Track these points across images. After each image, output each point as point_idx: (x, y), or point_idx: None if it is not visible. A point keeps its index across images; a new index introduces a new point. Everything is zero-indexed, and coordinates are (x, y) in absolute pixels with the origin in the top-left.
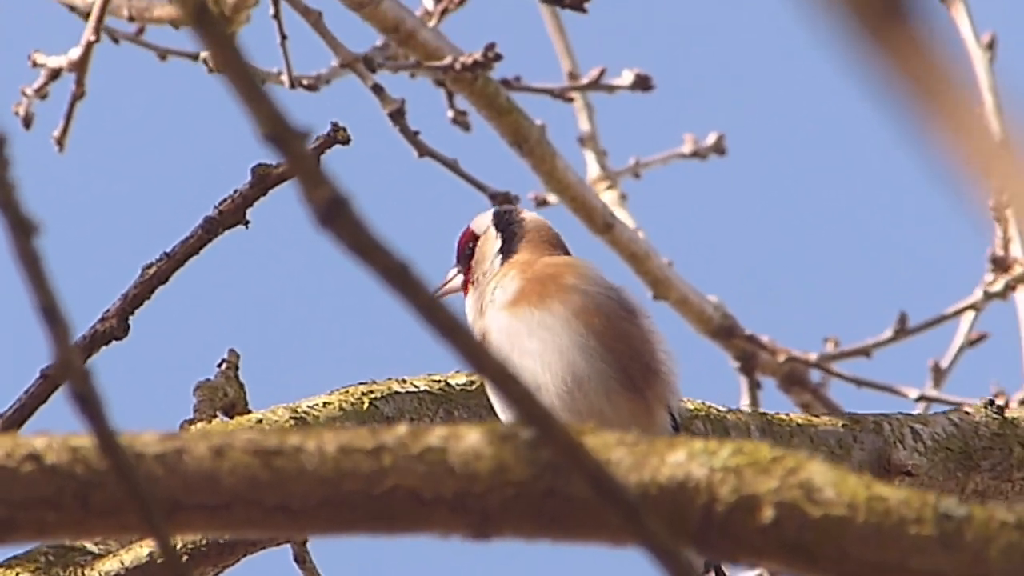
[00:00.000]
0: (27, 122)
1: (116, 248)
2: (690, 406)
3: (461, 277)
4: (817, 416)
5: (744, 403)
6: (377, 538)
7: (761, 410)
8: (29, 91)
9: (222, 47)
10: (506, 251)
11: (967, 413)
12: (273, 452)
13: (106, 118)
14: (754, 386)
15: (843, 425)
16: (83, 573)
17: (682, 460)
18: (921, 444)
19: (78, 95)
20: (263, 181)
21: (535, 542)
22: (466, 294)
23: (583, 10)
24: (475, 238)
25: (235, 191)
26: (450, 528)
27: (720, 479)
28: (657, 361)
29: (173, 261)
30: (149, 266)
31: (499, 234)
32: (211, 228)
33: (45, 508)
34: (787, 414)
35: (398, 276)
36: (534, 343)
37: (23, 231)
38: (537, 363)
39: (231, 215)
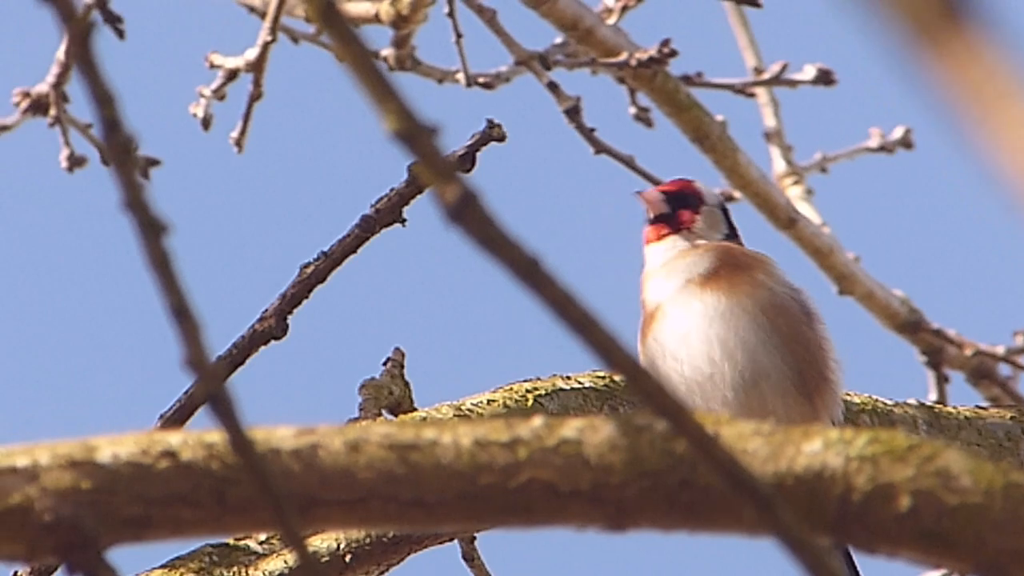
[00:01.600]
0: (206, 123)
1: (283, 246)
2: (856, 400)
3: (666, 207)
4: (986, 409)
5: (932, 397)
6: (513, 531)
7: (928, 403)
8: (207, 92)
9: (349, 44)
10: (726, 237)
11: None
12: (408, 446)
13: (284, 118)
14: (942, 380)
15: (1011, 417)
16: (247, 572)
17: (818, 450)
18: None
19: (255, 96)
20: (418, 179)
21: (671, 533)
22: (661, 233)
23: (758, 5)
24: (700, 197)
25: (391, 189)
26: (586, 520)
27: (856, 468)
28: (829, 369)
29: (331, 260)
30: (307, 265)
31: (725, 220)
32: (368, 227)
33: (181, 505)
34: (955, 407)
35: (528, 270)
36: (717, 330)
37: (152, 232)
38: (717, 351)
39: (387, 213)
